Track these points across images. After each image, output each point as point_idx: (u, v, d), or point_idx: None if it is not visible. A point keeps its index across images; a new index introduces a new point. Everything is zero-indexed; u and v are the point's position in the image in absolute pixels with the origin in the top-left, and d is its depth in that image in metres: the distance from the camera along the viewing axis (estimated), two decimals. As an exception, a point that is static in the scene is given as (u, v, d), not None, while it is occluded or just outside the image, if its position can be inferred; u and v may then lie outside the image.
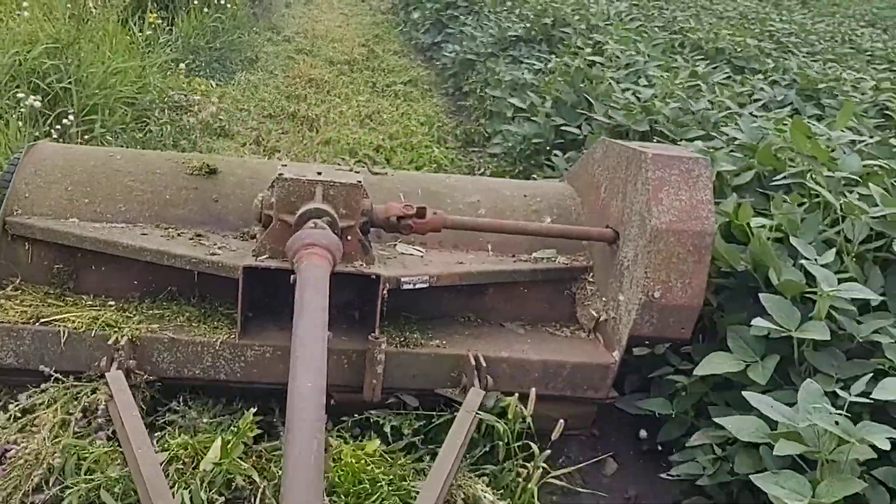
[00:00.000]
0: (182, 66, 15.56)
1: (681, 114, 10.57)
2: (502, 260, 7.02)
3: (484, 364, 6.29)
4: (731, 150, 8.55)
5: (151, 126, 12.58)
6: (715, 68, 14.63)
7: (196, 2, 18.45)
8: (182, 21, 17.51)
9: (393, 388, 6.36)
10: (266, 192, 6.34)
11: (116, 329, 6.13)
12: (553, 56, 15.21)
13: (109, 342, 6.01)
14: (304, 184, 6.24)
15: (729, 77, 13.76)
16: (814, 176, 7.29)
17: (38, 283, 6.67)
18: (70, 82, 11.28)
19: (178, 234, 6.71)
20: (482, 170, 13.73)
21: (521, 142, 12.50)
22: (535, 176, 11.11)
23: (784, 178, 7.65)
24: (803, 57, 17.15)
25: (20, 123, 10.18)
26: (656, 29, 18.69)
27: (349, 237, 6.26)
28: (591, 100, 11.60)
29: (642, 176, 6.35)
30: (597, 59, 13.71)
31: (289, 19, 25.56)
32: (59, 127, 10.60)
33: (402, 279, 6.30)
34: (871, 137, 8.89)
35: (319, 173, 6.37)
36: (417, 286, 6.37)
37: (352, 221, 6.30)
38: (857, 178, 7.20)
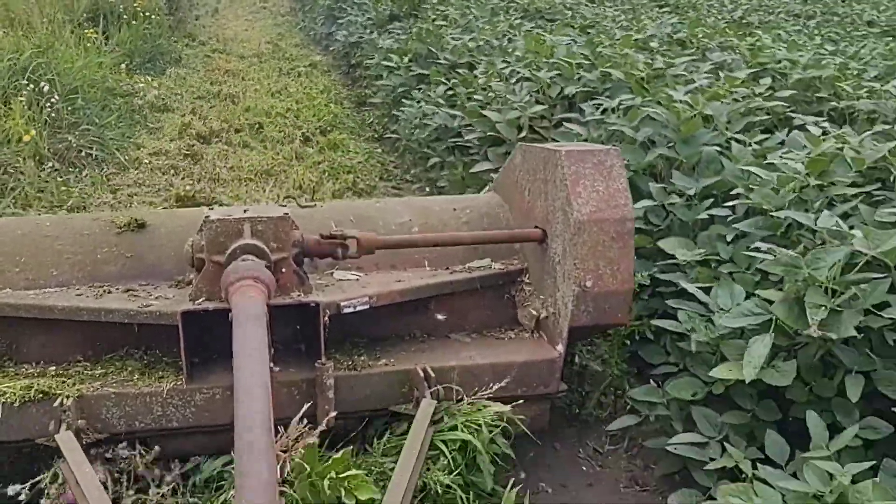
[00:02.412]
0: (122, 66, 14.61)
1: (488, 48, 11.13)
2: (440, 273, 5.24)
3: (433, 375, 4.63)
4: (516, 60, 9.74)
5: (111, 106, 12.26)
6: (535, 23, 14.17)
7: (125, 16, 16.99)
8: (117, 32, 16.14)
9: (346, 412, 4.60)
10: (196, 236, 4.59)
11: (57, 392, 4.38)
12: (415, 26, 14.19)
13: (56, 404, 4.31)
14: (231, 223, 4.52)
15: (537, 25, 13.56)
16: (536, 62, 9.22)
17: None
18: (53, 75, 11.15)
19: (114, 290, 4.88)
20: (371, 119, 13.62)
21: (392, 91, 12.24)
22: (403, 108, 10.85)
23: (524, 67, 9.28)
24: (606, 9, 16.30)
25: (23, 103, 10.03)
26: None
27: (283, 269, 4.56)
28: (435, 50, 11.77)
29: (559, 173, 4.76)
30: (442, 23, 13.56)
31: (201, 28, 23.17)
32: (49, 105, 10.50)
33: (342, 303, 4.59)
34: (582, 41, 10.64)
35: (246, 211, 4.62)
36: (358, 308, 4.65)
37: (284, 254, 4.57)
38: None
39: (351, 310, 4.61)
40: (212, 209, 4.77)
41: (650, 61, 8.58)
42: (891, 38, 13.48)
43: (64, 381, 4.49)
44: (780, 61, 8.79)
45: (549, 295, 4.93)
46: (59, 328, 4.72)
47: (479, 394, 4.65)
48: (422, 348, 4.98)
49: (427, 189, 10.06)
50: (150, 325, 4.54)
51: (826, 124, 6.35)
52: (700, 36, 11.32)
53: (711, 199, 5.58)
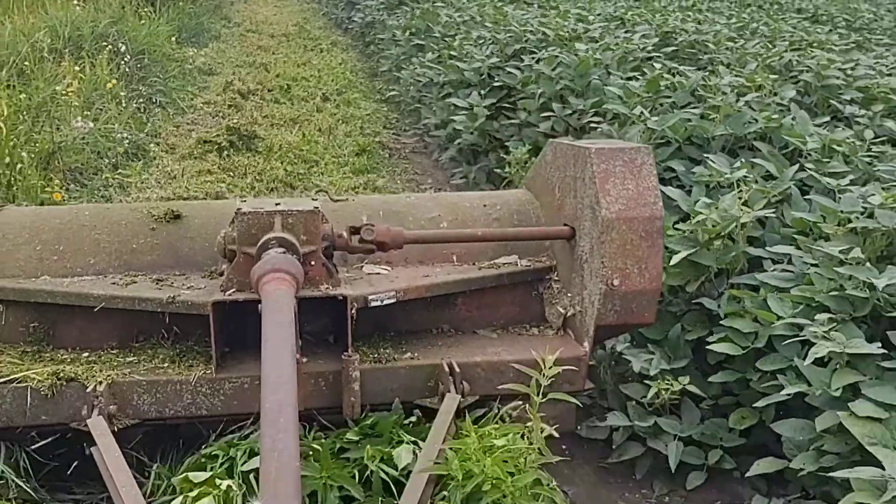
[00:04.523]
0: (173, 38, 12.93)
1: (473, 24, 10.09)
2: (468, 269, 3.75)
3: (458, 370, 3.30)
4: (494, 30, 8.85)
5: (168, 68, 11.26)
6: (515, 4, 12.35)
7: (173, -2, 15.91)
8: (167, 11, 14.45)
9: (372, 404, 3.32)
10: (228, 228, 3.32)
11: (83, 378, 3.18)
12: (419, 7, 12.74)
13: (88, 390, 3.12)
14: (263, 216, 3.24)
15: (517, 7, 11.73)
16: (496, 30, 8.73)
17: (15, 343, 3.42)
18: (125, 41, 10.55)
19: (148, 279, 3.52)
20: (380, 86, 12.13)
21: (395, 59, 11.41)
22: (404, 68, 10.36)
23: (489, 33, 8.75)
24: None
25: (104, 60, 9.43)
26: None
27: (313, 262, 3.27)
28: (432, 25, 10.84)
29: (589, 171, 3.35)
30: (440, 3, 12.16)
31: (235, 12, 20.79)
32: (122, 62, 9.93)
33: (370, 297, 3.30)
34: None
35: (278, 204, 3.33)
36: (385, 302, 3.34)
37: (313, 247, 3.27)
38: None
39: (378, 303, 3.33)
40: (244, 201, 3.45)
41: (575, 27, 8.73)
42: (807, 21, 12.07)
43: (94, 367, 3.28)
44: (674, 30, 8.75)
45: (576, 293, 3.52)
46: (95, 315, 3.42)
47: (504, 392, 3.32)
48: (448, 343, 3.58)
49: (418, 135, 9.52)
50: (182, 314, 3.31)
51: (683, 67, 6.70)
52: (631, 14, 10.35)
53: (595, 112, 5.94)
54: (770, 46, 7.98)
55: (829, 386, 2.98)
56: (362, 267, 3.65)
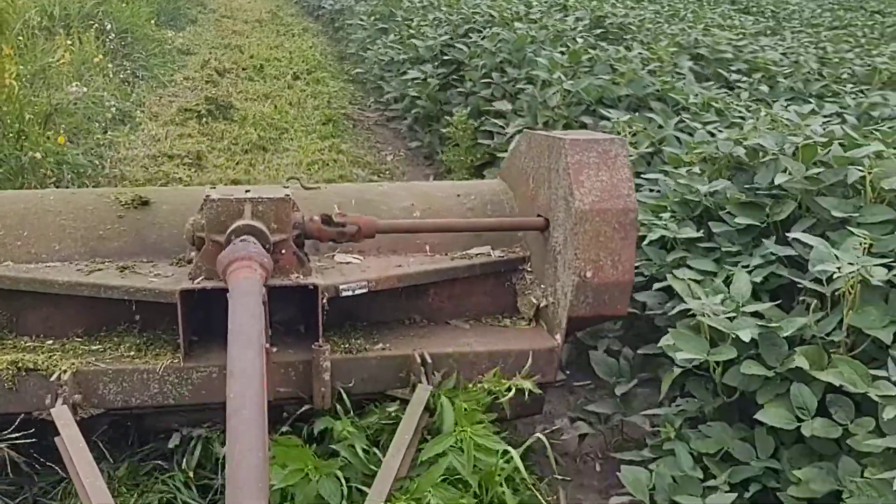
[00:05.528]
0: (152, 21, 11.98)
1: (431, 8, 9.36)
2: (440, 259, 3.17)
3: (430, 361, 2.75)
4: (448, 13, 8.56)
5: (149, 47, 10.54)
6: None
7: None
8: None
9: (343, 394, 2.77)
10: (197, 215, 2.76)
11: (45, 368, 2.62)
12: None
13: (52, 379, 2.58)
14: (232, 203, 2.69)
15: None
16: (450, 12, 8.35)
17: None
18: (110, 20, 9.85)
19: (114, 266, 2.92)
20: (349, 67, 11.09)
21: (361, 42, 10.44)
22: (370, 49, 9.57)
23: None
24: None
25: (93, 37, 8.82)
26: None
27: (283, 251, 2.72)
28: (395, 10, 10.16)
29: (563, 161, 2.80)
30: None
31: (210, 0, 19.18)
32: (108, 40, 9.37)
33: (341, 287, 2.75)
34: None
35: (248, 191, 2.78)
36: (357, 292, 2.78)
37: (284, 235, 2.73)
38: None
39: (349, 293, 2.78)
40: (213, 188, 2.89)
41: (518, 10, 8.41)
42: (736, 11, 11.42)
43: (56, 356, 2.71)
44: (606, 14, 8.35)
45: (549, 284, 2.99)
46: (59, 302, 2.90)
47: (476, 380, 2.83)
48: (420, 333, 3.02)
49: (380, 110, 8.85)
50: (149, 302, 2.76)
51: (611, 45, 6.58)
52: (573, 1, 9.55)
53: (527, 80, 5.79)
54: (686, 29, 7.82)
55: (664, 260, 3.28)
56: (334, 256, 3.09)
